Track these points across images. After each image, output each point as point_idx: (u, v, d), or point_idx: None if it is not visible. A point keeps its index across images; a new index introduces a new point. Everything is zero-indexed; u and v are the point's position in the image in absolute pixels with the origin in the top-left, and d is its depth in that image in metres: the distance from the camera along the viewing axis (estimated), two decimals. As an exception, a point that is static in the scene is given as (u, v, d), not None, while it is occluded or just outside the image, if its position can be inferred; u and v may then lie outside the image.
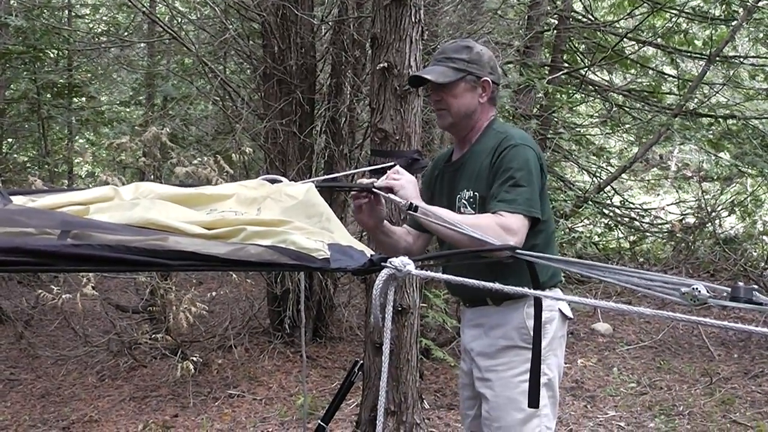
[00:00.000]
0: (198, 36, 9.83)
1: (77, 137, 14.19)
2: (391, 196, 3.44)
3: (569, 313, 3.50)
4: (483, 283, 1.97)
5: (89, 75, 12.20)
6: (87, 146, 12.70)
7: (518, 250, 2.30)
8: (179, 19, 10.31)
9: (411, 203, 3.12)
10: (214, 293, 7.44)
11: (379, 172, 4.21)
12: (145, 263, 2.05)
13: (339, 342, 8.65)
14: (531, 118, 10.33)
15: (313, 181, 3.35)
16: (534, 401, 3.08)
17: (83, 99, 12.17)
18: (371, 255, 2.11)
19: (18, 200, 2.60)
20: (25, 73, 10.96)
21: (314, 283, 8.28)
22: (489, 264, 3.24)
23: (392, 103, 5.14)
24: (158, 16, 9.51)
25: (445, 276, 2.06)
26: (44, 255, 2.02)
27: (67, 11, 12.89)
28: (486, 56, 3.58)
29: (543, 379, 3.31)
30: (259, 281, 9.48)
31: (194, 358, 7.05)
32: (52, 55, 11.46)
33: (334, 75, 8.22)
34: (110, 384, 7.79)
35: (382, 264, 2.00)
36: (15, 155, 12.69)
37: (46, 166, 11.56)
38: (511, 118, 10.36)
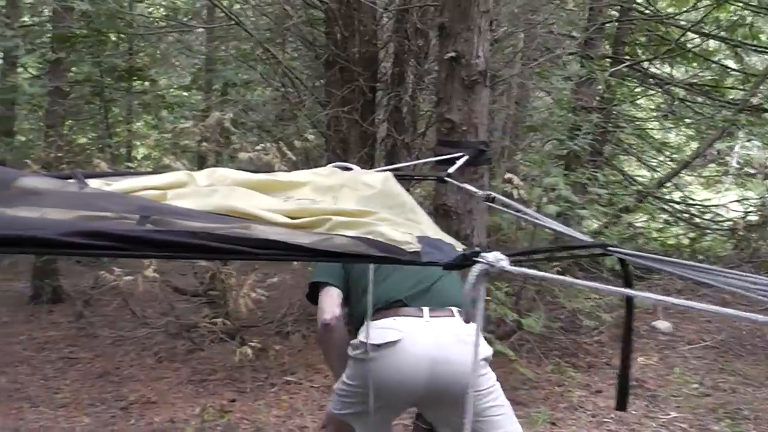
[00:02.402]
0: (257, 22, 9.81)
1: (136, 121, 14.26)
2: (467, 186, 3.40)
3: (372, 340, 3.49)
4: (584, 282, 1.92)
5: (149, 59, 12.25)
6: (149, 130, 12.75)
7: (610, 248, 2.23)
8: (240, 5, 10.31)
9: (489, 194, 3.09)
10: (275, 279, 7.41)
11: (447, 163, 4.17)
12: (228, 251, 2.01)
13: (397, 331, 8.59)
14: (592, 111, 10.22)
15: (384, 170, 3.32)
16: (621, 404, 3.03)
17: (144, 83, 12.22)
18: (463, 249, 2.05)
19: (94, 183, 2.58)
20: (88, 56, 11.03)
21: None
22: None
23: (460, 93, 5.09)
24: (219, 1, 9.49)
25: (540, 273, 2.00)
26: (126, 240, 1.99)
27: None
28: None
29: (343, 376, 3.69)
30: (318, 267, 9.46)
31: (253, 344, 7.03)
32: (114, 39, 11.50)
33: (397, 64, 8.17)
34: (168, 366, 7.82)
35: (475, 259, 1.95)
36: (74, 137, 12.76)
37: (108, 149, 11.62)
38: (570, 110, 10.29)
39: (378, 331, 3.52)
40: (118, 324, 9.39)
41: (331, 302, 3.82)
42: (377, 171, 3.34)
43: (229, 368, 7.50)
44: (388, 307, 3.58)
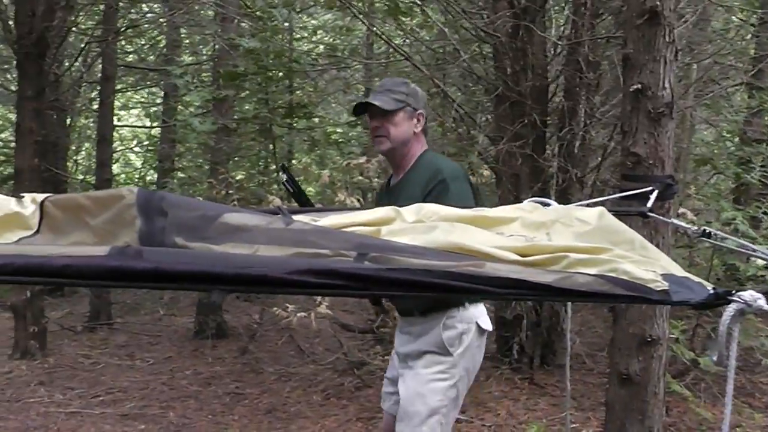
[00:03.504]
0: (413, 57, 9.81)
1: (299, 157, 14.48)
2: (674, 221, 3.29)
3: (487, 327, 3.95)
4: None
5: (311, 96, 12.39)
6: (311, 167, 12.87)
7: None
8: (403, 39, 10.34)
9: (704, 229, 2.98)
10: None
11: (634, 198, 4.04)
12: (461, 289, 1.96)
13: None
14: (763, 143, 9.91)
15: (582, 205, 3.21)
16: None
17: (313, 119, 12.36)
18: (713, 288, 1.94)
19: (300, 219, 2.55)
20: (247, 92, 11.23)
21: (543, 308, 8.10)
22: None
23: (645, 126, 4.96)
24: (388, 38, 9.52)
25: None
26: (356, 278, 1.95)
27: (287, 34, 13.20)
28: (420, 92, 4.16)
29: (450, 382, 3.79)
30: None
31: (423, 381, 6.96)
32: (275, 76, 11.68)
33: (568, 97, 8.05)
34: (335, 403, 7.79)
35: (728, 298, 1.84)
36: (234, 173, 13.00)
37: (276, 186, 11.75)
38: (740, 142, 10.01)
39: (485, 318, 3.96)
40: (284, 360, 9.45)
41: None
42: (577, 205, 3.24)
43: (398, 406, 7.43)
44: None
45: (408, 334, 4.00)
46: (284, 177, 4.33)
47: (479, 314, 3.91)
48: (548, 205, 3.11)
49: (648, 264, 2.08)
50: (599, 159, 8.22)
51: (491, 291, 1.95)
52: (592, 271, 1.99)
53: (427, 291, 2.01)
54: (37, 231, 2.32)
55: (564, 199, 7.45)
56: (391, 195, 4.05)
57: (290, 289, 2.03)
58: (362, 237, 2.33)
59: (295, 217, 2.53)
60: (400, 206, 3.74)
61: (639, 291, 1.91)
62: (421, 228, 2.43)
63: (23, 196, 2.41)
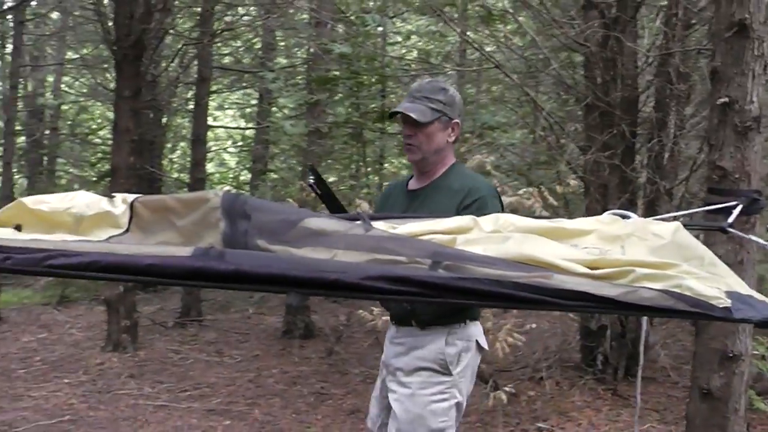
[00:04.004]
0: (504, 65, 9.79)
1: (390, 161, 14.51)
2: (753, 237, 3.28)
3: (485, 345, 3.89)
4: None
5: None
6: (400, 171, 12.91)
7: None
8: (496, 47, 10.33)
9: (779, 247, 2.98)
10: (533, 325, 7.38)
11: (718, 212, 4.01)
12: (528, 300, 2.01)
13: (651, 382, 8.31)
14: None
15: (660, 218, 3.22)
16: None
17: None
18: (776, 306, 1.96)
19: (378, 225, 2.61)
20: (340, 96, 11.29)
21: (629, 319, 8.05)
22: None
23: (732, 139, 4.91)
24: (480, 45, 9.52)
25: None
26: (430, 287, 2.02)
27: (381, 39, 13.25)
28: (458, 99, 3.96)
29: (451, 402, 3.67)
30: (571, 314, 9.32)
31: (507, 389, 6.97)
32: (367, 81, 11.73)
33: (658, 108, 8.00)
34: (418, 408, 7.83)
35: (790, 315, 1.87)
36: (325, 175, 13.06)
37: (366, 189, 11.82)
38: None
39: (483, 337, 3.90)
40: (369, 362, 9.50)
41: None
42: (656, 219, 3.25)
43: (480, 412, 7.43)
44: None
45: (400, 345, 3.84)
46: (311, 179, 4.03)
47: (478, 333, 3.84)
48: (628, 217, 3.13)
49: (713, 281, 2.11)
50: (688, 171, 8.13)
51: (558, 303, 2.00)
52: (657, 286, 2.02)
53: (496, 301, 2.06)
54: (127, 230, 2.44)
55: (651, 210, 7.42)
56: (414, 199, 3.96)
57: (364, 294, 2.11)
58: (437, 246, 2.38)
59: (375, 224, 2.60)
60: (423, 211, 3.75)
61: (702, 307, 1.94)
62: (495, 238, 2.48)
63: (114, 196, 2.53)
